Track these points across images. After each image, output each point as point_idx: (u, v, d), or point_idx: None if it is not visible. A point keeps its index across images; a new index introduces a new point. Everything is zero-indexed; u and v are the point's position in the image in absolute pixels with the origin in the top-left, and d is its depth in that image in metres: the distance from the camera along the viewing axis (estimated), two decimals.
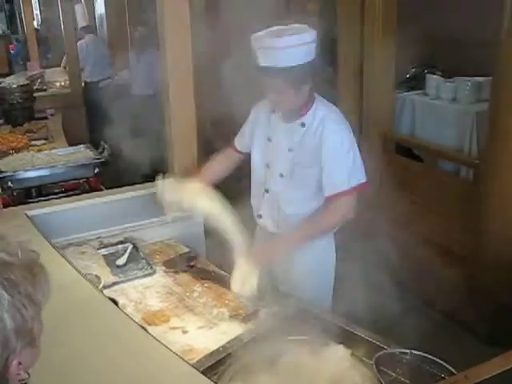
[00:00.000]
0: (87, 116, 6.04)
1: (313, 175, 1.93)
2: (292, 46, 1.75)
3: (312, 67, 1.83)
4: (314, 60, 1.83)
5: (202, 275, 2.10)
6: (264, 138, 2.05)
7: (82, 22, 6.65)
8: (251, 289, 1.85)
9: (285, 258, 1.97)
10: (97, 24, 8.42)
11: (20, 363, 0.87)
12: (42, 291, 0.90)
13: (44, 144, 3.91)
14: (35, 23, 9.55)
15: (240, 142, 2.19)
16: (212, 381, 1.35)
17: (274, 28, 1.85)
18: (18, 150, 3.61)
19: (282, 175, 1.99)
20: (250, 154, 2.13)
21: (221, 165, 2.24)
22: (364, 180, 1.93)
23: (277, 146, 2.00)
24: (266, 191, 2.06)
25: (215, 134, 2.81)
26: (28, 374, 0.91)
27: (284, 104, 1.92)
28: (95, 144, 3.57)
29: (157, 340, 1.46)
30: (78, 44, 6.37)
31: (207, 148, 2.73)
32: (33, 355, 0.92)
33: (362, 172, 1.93)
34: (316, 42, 1.83)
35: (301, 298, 1.85)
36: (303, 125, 1.93)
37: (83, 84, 6.41)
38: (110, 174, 3.42)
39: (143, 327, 1.59)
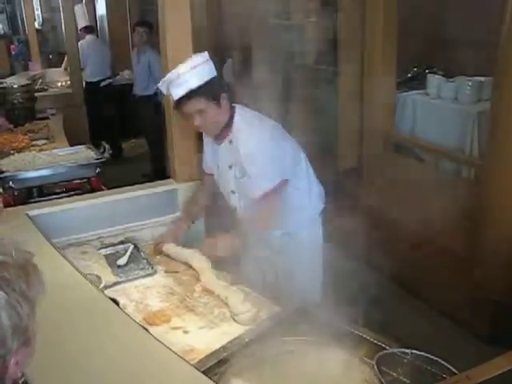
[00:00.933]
0: (88, 116, 6.04)
1: (251, 184, 2.11)
2: (192, 67, 2.01)
3: (219, 82, 2.12)
4: (217, 76, 2.09)
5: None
6: (215, 166, 2.26)
7: (82, 23, 6.65)
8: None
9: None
10: (98, 24, 8.43)
11: (17, 362, 0.88)
12: (36, 289, 0.91)
13: (45, 144, 3.90)
14: (36, 23, 9.55)
15: (206, 166, 2.38)
16: (213, 381, 1.35)
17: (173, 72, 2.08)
18: (19, 150, 3.61)
19: (233, 192, 2.21)
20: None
21: (197, 198, 2.46)
22: (280, 179, 2.08)
23: (222, 168, 2.21)
24: (233, 210, 2.29)
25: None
26: (22, 373, 0.92)
27: (211, 123, 2.10)
28: (96, 144, 3.56)
29: (158, 340, 1.46)
30: (78, 44, 6.36)
31: None
32: (28, 355, 0.92)
33: (278, 171, 2.09)
34: (210, 60, 2.07)
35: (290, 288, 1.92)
36: (231, 142, 2.13)
37: (84, 84, 6.41)
38: (111, 174, 3.41)
39: (144, 327, 1.59)
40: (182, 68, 2.01)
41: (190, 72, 2.00)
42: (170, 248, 2.26)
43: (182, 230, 2.38)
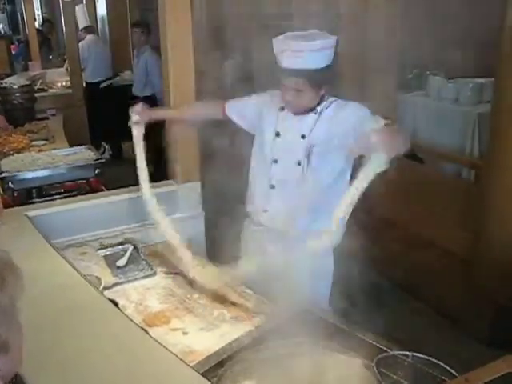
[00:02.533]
0: (88, 117, 6.04)
1: (329, 158, 1.97)
2: (318, 49, 1.85)
3: (331, 72, 1.93)
4: (332, 65, 1.91)
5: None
6: (271, 134, 2.07)
7: (82, 23, 6.65)
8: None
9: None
10: (98, 25, 8.43)
11: None
12: (11, 293, 0.85)
13: (45, 145, 3.90)
14: (36, 24, 9.56)
15: (233, 107, 2.22)
16: (212, 383, 1.34)
17: (295, 33, 1.93)
18: (18, 151, 3.60)
19: (299, 163, 2.00)
20: (231, 123, 2.22)
21: (202, 109, 2.36)
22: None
23: (287, 138, 2.04)
24: (272, 187, 2.07)
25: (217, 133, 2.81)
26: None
27: (299, 105, 1.97)
28: (96, 145, 3.56)
29: (157, 342, 1.46)
30: (79, 45, 6.36)
31: (208, 148, 2.73)
32: (9, 363, 0.87)
33: None
34: (334, 47, 1.90)
35: (300, 292, 1.86)
36: (316, 112, 1.99)
37: (84, 85, 6.42)
38: (110, 175, 3.41)
39: (143, 329, 1.59)
40: (306, 46, 1.84)
41: (314, 53, 1.85)
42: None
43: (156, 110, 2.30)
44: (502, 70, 2.86)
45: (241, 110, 2.21)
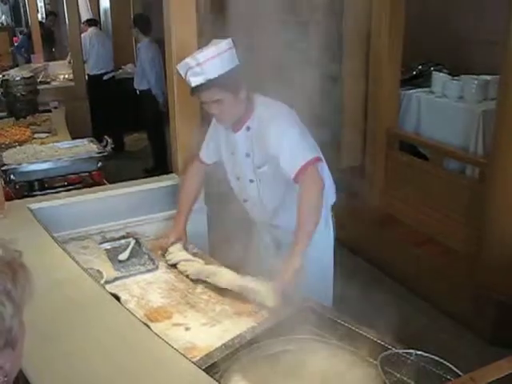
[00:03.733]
0: (90, 109, 6.03)
1: (273, 173, 2.02)
2: (213, 56, 1.88)
3: (240, 71, 1.96)
4: (239, 65, 1.95)
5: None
6: (228, 153, 2.15)
7: (85, 15, 6.64)
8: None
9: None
10: (101, 18, 8.41)
11: (0, 367, 0.83)
12: (22, 290, 0.86)
13: (47, 137, 3.89)
14: (39, 16, 9.54)
15: (205, 154, 2.27)
16: (214, 379, 1.33)
17: (195, 52, 1.98)
18: (21, 143, 3.59)
19: (251, 181, 2.11)
20: (215, 165, 2.25)
21: (193, 187, 2.33)
22: (315, 155, 1.96)
23: (238, 157, 2.11)
24: (245, 201, 2.20)
25: None
26: (7, 380, 0.86)
27: (228, 113, 2.00)
28: (98, 138, 3.55)
29: (159, 337, 1.45)
30: (81, 37, 6.35)
31: None
32: (14, 359, 0.87)
33: (312, 147, 1.99)
34: (234, 47, 1.94)
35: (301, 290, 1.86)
36: (248, 128, 2.04)
37: (87, 77, 6.42)
38: (113, 168, 3.40)
39: (145, 323, 1.58)
40: (202, 56, 1.88)
41: (210, 61, 1.87)
42: (185, 264, 2.10)
43: (183, 223, 2.28)
44: (508, 66, 2.84)
45: (211, 152, 2.25)
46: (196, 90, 1.93)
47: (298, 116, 2.07)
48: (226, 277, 1.92)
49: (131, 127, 6.78)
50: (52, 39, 9.08)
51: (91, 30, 6.62)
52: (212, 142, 2.23)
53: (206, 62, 1.87)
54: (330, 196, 2.21)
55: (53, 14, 9.56)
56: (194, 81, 1.90)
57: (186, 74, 1.92)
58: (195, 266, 2.06)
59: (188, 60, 1.90)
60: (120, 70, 6.96)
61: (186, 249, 2.22)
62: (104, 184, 3.02)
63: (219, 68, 1.88)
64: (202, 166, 2.29)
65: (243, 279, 1.86)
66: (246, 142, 2.05)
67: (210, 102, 1.95)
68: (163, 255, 2.20)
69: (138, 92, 5.74)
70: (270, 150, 1.96)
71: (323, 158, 2.04)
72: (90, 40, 6.51)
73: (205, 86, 1.90)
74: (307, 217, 1.87)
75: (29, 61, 7.62)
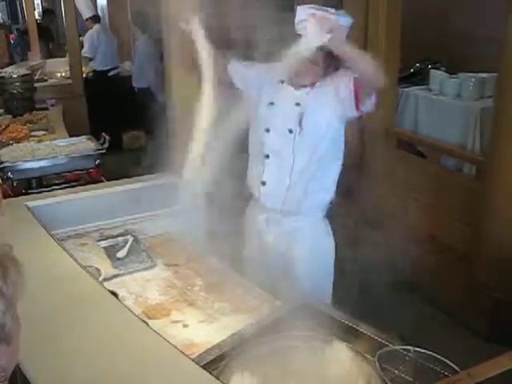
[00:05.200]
0: (90, 106, 6.01)
1: (321, 125, 2.00)
2: (343, 26, 1.89)
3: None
4: None
5: (203, 269, 2.09)
6: (266, 103, 2.09)
7: (87, 13, 6.65)
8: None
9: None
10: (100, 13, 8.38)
11: None
12: (14, 284, 0.85)
13: (44, 135, 3.88)
14: (36, 13, 9.49)
15: (235, 67, 2.17)
16: (213, 376, 1.34)
17: (316, 6, 1.92)
18: (18, 141, 3.59)
19: (290, 131, 2.03)
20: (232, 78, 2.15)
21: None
22: None
23: (281, 106, 2.06)
24: (267, 156, 2.09)
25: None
26: (4, 376, 0.86)
27: (310, 78, 2.00)
28: (97, 135, 3.54)
29: (157, 334, 1.45)
30: (87, 33, 6.41)
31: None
32: (9, 354, 0.86)
33: None
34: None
35: (302, 285, 1.86)
36: (313, 87, 2.02)
37: (92, 72, 6.47)
38: (111, 166, 3.40)
39: (144, 321, 1.58)
40: (340, 21, 1.86)
41: (339, 29, 1.86)
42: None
43: None
44: (505, 64, 2.84)
45: (241, 72, 2.18)
46: (312, 46, 1.87)
47: None
48: None
49: (130, 125, 6.76)
50: (49, 37, 9.04)
51: (96, 26, 6.63)
52: (254, 77, 2.15)
53: (338, 29, 1.85)
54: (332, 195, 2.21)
55: (49, 11, 9.53)
56: (317, 34, 1.83)
57: (303, 20, 1.87)
58: None
59: (319, 12, 1.85)
60: (118, 68, 6.94)
61: None
62: (102, 181, 3.01)
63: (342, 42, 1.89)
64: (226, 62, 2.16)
65: None
66: (302, 93, 2.02)
67: (308, 59, 1.92)
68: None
69: (136, 90, 5.73)
70: (331, 96, 1.97)
71: None
72: (98, 36, 6.53)
73: (322, 47, 1.86)
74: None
75: (25, 58, 7.59)
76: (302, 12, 1.90)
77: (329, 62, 1.96)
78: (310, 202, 2.10)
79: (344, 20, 1.92)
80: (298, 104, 2.02)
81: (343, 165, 2.15)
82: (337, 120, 2.03)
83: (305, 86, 2.03)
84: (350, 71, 1.94)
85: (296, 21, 1.92)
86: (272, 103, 2.07)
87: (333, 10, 1.93)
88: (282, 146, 2.06)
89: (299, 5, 1.97)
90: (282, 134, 2.05)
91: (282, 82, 2.08)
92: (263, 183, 2.11)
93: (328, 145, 2.04)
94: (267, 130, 2.08)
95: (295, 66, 1.97)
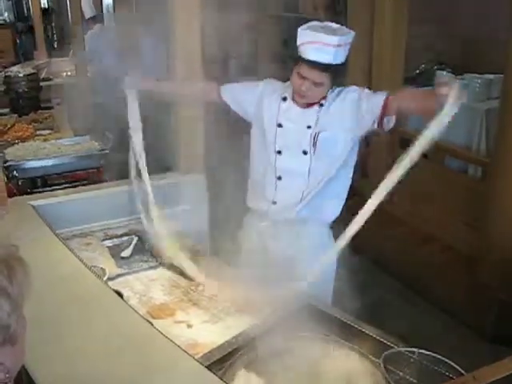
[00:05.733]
0: (93, 106, 6.01)
1: (335, 144, 1.98)
2: (342, 45, 1.86)
3: (345, 66, 1.95)
4: (347, 60, 1.93)
5: (207, 269, 2.08)
6: (273, 125, 2.05)
7: (89, 13, 6.63)
8: None
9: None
10: (104, 14, 8.38)
11: (0, 363, 0.82)
12: (20, 285, 0.85)
13: (50, 134, 3.89)
14: (42, 12, 9.51)
15: (229, 91, 2.17)
16: (217, 376, 1.34)
17: (318, 24, 1.92)
18: (23, 140, 3.59)
19: (305, 152, 2.00)
20: (227, 110, 2.16)
21: (197, 88, 2.30)
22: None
23: (291, 129, 2.02)
24: (279, 178, 2.06)
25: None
26: (9, 377, 0.85)
27: (314, 96, 1.96)
28: (101, 135, 3.54)
29: (162, 334, 1.45)
30: (88, 34, 6.37)
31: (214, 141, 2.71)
32: (14, 355, 0.86)
33: None
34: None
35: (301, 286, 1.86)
36: (321, 105, 1.99)
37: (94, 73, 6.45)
38: (115, 166, 3.40)
39: (148, 320, 1.58)
40: (341, 40, 1.84)
41: (343, 47, 1.86)
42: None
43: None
44: (511, 66, 2.83)
45: (237, 95, 2.16)
46: (308, 64, 1.87)
47: None
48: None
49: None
50: (55, 36, 9.07)
51: (97, 26, 6.62)
52: (249, 96, 2.13)
53: (338, 47, 1.84)
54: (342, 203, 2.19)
55: (54, 10, 9.56)
56: (316, 56, 1.84)
57: (307, 42, 1.86)
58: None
59: (322, 35, 1.84)
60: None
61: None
62: (106, 181, 3.02)
63: (342, 57, 1.88)
64: (214, 91, 2.18)
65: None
66: (311, 115, 1.99)
67: (312, 81, 1.90)
68: None
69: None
70: (350, 106, 1.94)
71: None
72: (98, 37, 6.52)
73: (321, 67, 1.86)
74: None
75: (28, 58, 7.60)
76: (305, 34, 1.88)
77: (332, 81, 1.93)
78: (319, 213, 2.09)
79: (350, 36, 1.89)
80: (309, 127, 1.98)
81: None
82: (354, 135, 2.00)
83: (311, 105, 2.00)
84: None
85: (298, 43, 1.89)
86: (280, 125, 2.04)
87: (335, 26, 1.91)
88: (296, 167, 2.04)
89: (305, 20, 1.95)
90: (295, 156, 2.02)
91: (284, 98, 2.04)
92: (274, 202, 2.09)
93: (344, 160, 2.02)
94: (279, 152, 2.04)
95: (297, 86, 1.94)
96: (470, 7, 4.17)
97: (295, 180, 2.04)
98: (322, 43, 1.83)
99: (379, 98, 1.89)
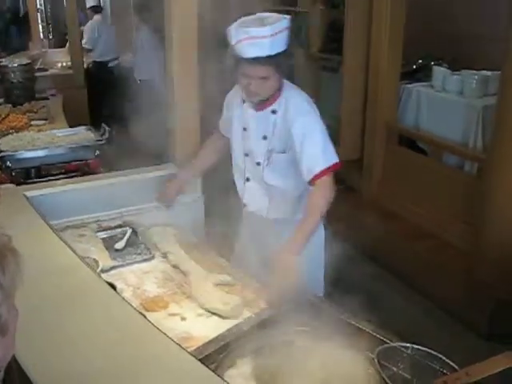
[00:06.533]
0: (90, 97, 5.98)
1: (288, 161, 1.98)
2: (276, 33, 1.80)
3: (288, 54, 1.89)
4: (289, 47, 1.89)
5: (202, 261, 2.07)
6: (240, 128, 2.08)
7: (90, 2, 6.64)
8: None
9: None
10: (101, 4, 8.33)
11: None
12: (12, 275, 0.83)
13: (44, 125, 3.86)
14: (38, 2, 9.43)
15: (223, 127, 2.24)
16: (210, 369, 1.33)
17: (247, 19, 1.88)
18: (17, 130, 3.57)
19: (258, 163, 2.04)
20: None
21: (210, 151, 2.32)
22: (337, 160, 1.94)
23: (252, 135, 2.04)
24: (247, 179, 2.12)
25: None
26: (0, 367, 0.84)
27: (264, 92, 1.94)
28: (97, 125, 3.52)
29: (155, 327, 1.44)
30: (88, 24, 6.36)
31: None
32: (5, 346, 0.84)
33: (334, 152, 1.95)
34: (289, 28, 1.87)
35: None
36: (274, 112, 1.98)
37: (92, 63, 6.43)
38: (110, 157, 3.38)
39: (141, 313, 1.57)
40: (269, 30, 1.78)
41: (275, 36, 1.79)
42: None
43: (186, 179, 2.31)
44: (509, 62, 2.82)
45: (226, 125, 2.20)
46: (248, 62, 1.82)
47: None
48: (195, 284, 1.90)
49: (131, 116, 6.72)
50: (50, 26, 9.01)
51: (96, 17, 6.61)
52: (226, 113, 2.19)
53: (272, 37, 1.78)
54: None
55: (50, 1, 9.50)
56: (253, 52, 1.79)
57: (240, 41, 1.80)
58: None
59: (252, 29, 1.79)
60: (119, 59, 6.91)
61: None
62: (101, 172, 3.00)
63: (280, 46, 1.82)
64: (220, 137, 2.25)
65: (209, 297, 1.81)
66: (267, 124, 1.98)
67: (255, 77, 1.87)
68: (158, 199, 2.31)
69: (139, 81, 5.71)
70: (293, 144, 1.92)
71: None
72: (98, 27, 6.51)
73: (261, 61, 1.81)
74: (313, 227, 1.86)
75: (26, 48, 7.55)
76: (236, 32, 1.82)
77: (279, 72, 1.89)
78: (298, 209, 2.09)
79: (283, 24, 1.83)
80: (265, 137, 2.00)
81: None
82: None
83: (265, 106, 1.98)
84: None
85: (232, 42, 1.84)
86: (245, 129, 2.07)
87: (265, 15, 1.87)
88: (256, 172, 2.08)
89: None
90: (254, 163, 2.07)
91: (244, 101, 2.05)
92: (244, 205, 2.16)
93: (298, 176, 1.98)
94: (246, 155, 2.09)
95: (245, 87, 1.93)
96: (468, 3, 4.16)
97: (258, 184, 2.09)
98: (255, 38, 1.78)
99: (308, 172, 1.89)
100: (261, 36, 1.78)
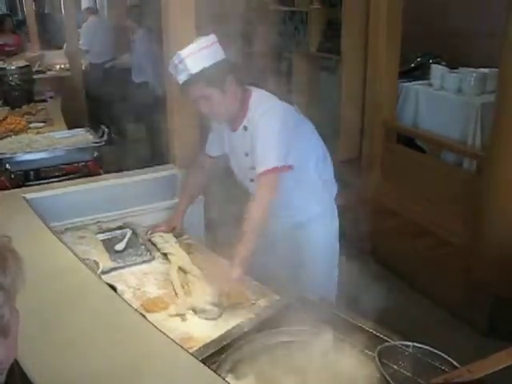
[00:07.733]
0: (88, 98, 5.98)
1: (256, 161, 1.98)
2: (193, 52, 1.89)
3: (226, 66, 1.94)
4: (225, 59, 1.94)
5: (202, 263, 2.08)
6: (230, 149, 2.13)
7: (85, 3, 6.61)
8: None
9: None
10: (97, 6, 8.33)
11: None
12: (13, 276, 0.84)
13: (43, 127, 3.86)
14: (35, 4, 9.43)
15: (210, 148, 2.25)
16: (211, 370, 1.33)
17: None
18: (16, 133, 3.57)
19: (252, 180, 2.05)
20: (222, 157, 2.21)
21: (196, 179, 2.33)
22: (285, 164, 1.93)
23: (238, 155, 2.09)
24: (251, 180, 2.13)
25: None
26: (1, 369, 0.84)
27: (218, 110, 1.98)
28: (95, 127, 3.52)
29: (156, 328, 1.44)
30: (83, 26, 6.33)
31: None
32: (7, 347, 0.85)
33: (288, 155, 1.94)
34: (217, 43, 1.93)
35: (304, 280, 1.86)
36: (246, 128, 2.00)
37: (89, 65, 6.41)
38: (109, 158, 3.39)
39: (142, 314, 1.57)
40: (184, 52, 1.90)
41: (191, 56, 1.88)
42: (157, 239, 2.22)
43: (180, 216, 2.32)
44: (507, 59, 2.82)
45: (216, 145, 2.21)
46: (183, 87, 1.95)
47: (297, 114, 2.04)
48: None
49: (129, 117, 6.73)
50: (48, 28, 9.00)
51: (92, 18, 6.58)
52: (215, 135, 2.20)
53: (187, 58, 1.88)
54: (334, 189, 2.23)
55: (47, 2, 9.51)
56: (180, 78, 1.92)
57: (175, 73, 1.94)
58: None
59: (173, 58, 1.92)
60: (116, 60, 6.90)
61: (179, 235, 2.27)
62: (100, 174, 3.00)
63: (201, 62, 1.88)
64: (206, 159, 2.27)
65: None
66: (244, 141, 2.01)
67: (199, 98, 1.94)
68: (147, 233, 2.30)
69: (137, 83, 5.71)
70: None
71: (293, 167, 1.97)
72: (94, 28, 6.48)
73: (190, 82, 1.91)
74: (252, 233, 1.86)
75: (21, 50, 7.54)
76: (171, 68, 1.95)
77: (217, 86, 1.91)
78: (305, 210, 2.12)
79: (201, 43, 1.90)
80: (246, 154, 2.01)
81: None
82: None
83: (235, 124, 2.02)
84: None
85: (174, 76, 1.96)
86: (231, 151, 2.12)
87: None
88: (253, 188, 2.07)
89: None
90: (247, 181, 2.11)
91: (221, 123, 2.10)
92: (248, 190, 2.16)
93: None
94: (240, 174, 2.15)
95: (202, 113, 2.01)
96: (466, 0, 4.16)
97: None
98: (177, 64, 1.90)
99: (257, 167, 1.91)
100: (179, 60, 1.90)
